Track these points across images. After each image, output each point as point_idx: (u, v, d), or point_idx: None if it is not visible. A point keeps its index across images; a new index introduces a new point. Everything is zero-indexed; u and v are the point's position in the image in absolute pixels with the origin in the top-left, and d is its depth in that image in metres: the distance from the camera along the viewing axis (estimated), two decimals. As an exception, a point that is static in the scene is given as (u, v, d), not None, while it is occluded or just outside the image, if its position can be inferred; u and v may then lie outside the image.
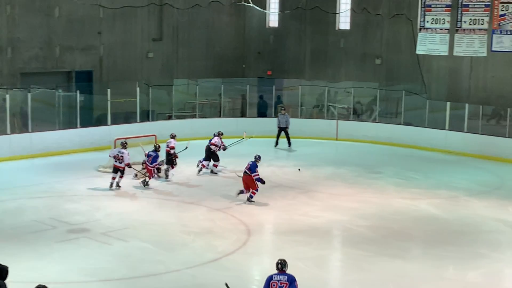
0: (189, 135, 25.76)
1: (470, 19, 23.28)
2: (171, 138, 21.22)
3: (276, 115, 27.20)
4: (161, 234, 15.51)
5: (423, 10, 24.40)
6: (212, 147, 21.54)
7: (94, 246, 14.59)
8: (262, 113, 29.02)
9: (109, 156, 19.85)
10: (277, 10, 32.79)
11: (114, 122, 25.26)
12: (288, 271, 10.31)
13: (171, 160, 20.76)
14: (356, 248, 14.95)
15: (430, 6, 24.18)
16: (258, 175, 18.02)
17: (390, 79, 29.43)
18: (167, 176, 20.53)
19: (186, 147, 21.51)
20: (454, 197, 19.25)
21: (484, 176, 21.93)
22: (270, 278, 10.23)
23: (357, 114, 28.84)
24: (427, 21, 24.29)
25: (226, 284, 10.15)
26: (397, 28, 29.15)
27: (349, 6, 30.58)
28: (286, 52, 32.99)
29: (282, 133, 25.94)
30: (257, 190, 18.11)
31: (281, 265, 10.37)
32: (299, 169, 22.11)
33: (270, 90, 28.90)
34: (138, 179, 20.01)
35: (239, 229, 15.91)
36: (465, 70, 27.54)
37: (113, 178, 19.23)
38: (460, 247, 15.04)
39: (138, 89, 25.92)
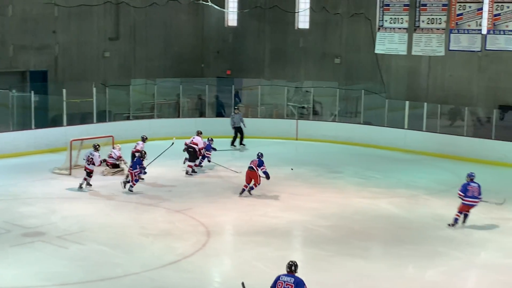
0: (147, 135, 25.48)
1: (428, 18, 23.46)
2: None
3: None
4: (119, 236, 15.22)
5: (381, 9, 24.52)
6: (194, 146, 21.48)
7: (50, 250, 14.23)
8: (219, 113, 28.81)
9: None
10: (236, 9, 32.65)
11: (70, 123, 24.83)
12: (247, 272, 10.13)
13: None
14: (317, 248, 14.87)
15: (388, 5, 24.30)
16: (265, 168, 18.74)
17: (350, 78, 29.54)
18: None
19: (173, 143, 21.47)
20: (414, 196, 19.33)
21: (443, 175, 22.08)
22: (278, 278, 10.26)
23: (317, 113, 28.84)
24: (386, 21, 24.42)
25: (243, 284, 10.14)
26: (356, 28, 29.26)
27: (308, 5, 30.61)
28: (245, 51, 32.88)
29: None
30: (259, 184, 18.64)
31: (292, 267, 10.34)
32: (291, 169, 22.05)
33: (230, 89, 28.73)
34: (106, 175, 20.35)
35: (199, 231, 15.71)
36: (424, 69, 27.77)
37: (85, 179, 19.05)
38: (419, 246, 15.06)
39: (94, 89, 25.49)
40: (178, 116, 28.14)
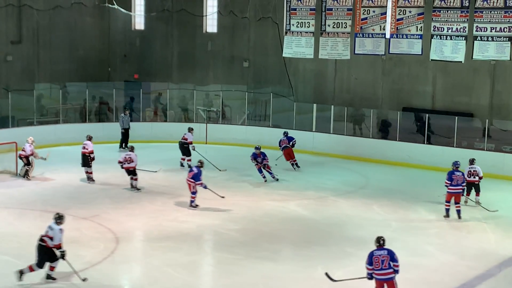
0: (52, 141, 24.90)
1: (334, 22, 23.90)
2: (88, 140, 20.89)
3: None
4: (24, 246, 14.72)
5: (288, 13, 24.80)
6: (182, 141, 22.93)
7: None
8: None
9: (119, 161, 19.87)
10: (142, 12, 32.30)
11: (-29, 129, 23.90)
12: (157, 278, 10.11)
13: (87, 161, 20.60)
14: (227, 252, 14.87)
15: (295, 9, 24.61)
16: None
17: (258, 81, 29.74)
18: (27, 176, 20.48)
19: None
20: (322, 198, 19.63)
21: (350, 176, 22.52)
22: (372, 254, 11.52)
23: (226, 117, 28.86)
24: (293, 25, 24.71)
25: (327, 274, 11.14)
26: (263, 31, 29.48)
27: (215, 9, 30.62)
28: (153, 55, 32.58)
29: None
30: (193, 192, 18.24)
31: (381, 241, 11.60)
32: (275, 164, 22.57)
33: (138, 93, 28.35)
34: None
35: (107, 238, 15.41)
36: (330, 72, 28.27)
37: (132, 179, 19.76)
38: (328, 247, 15.30)
39: (-4, 93, 24.66)
40: (85, 121, 27.53)
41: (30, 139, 20.70)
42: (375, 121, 26.03)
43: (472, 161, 18.95)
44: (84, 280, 12.77)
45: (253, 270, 13.75)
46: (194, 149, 23.14)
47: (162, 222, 16.83)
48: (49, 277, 12.87)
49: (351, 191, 20.48)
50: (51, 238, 12.78)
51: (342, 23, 23.76)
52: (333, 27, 23.96)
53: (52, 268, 12.86)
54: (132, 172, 19.81)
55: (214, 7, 30.76)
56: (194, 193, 18.16)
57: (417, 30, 22.65)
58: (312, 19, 24.39)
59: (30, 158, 20.52)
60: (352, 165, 24.01)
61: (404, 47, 23.02)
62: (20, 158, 20.52)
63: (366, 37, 23.45)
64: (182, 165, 23.19)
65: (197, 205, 18.13)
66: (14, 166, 20.79)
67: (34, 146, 20.63)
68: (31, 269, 12.78)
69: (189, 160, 23.08)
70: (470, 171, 18.62)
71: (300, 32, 24.60)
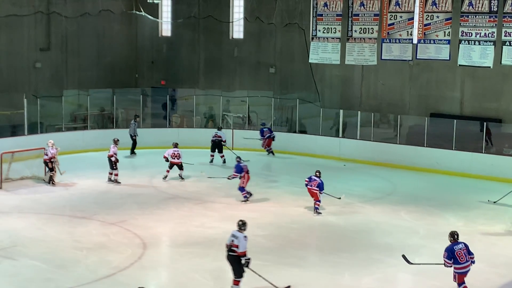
0: (80, 147, 25.14)
1: (360, 28, 23.81)
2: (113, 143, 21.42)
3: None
4: (52, 251, 14.88)
5: (314, 19, 24.75)
6: (217, 139, 24.67)
7: (-21, 266, 13.81)
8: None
9: (165, 156, 21.83)
10: (169, 19, 32.49)
11: (1, 135, 24.14)
12: (184, 284, 10.12)
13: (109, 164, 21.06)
14: (254, 258, 14.74)
15: (321, 15, 24.56)
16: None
17: (284, 87, 29.72)
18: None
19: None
20: (349, 204, 19.52)
21: (377, 182, 22.40)
22: (453, 249, 12.01)
23: (252, 123, 28.87)
24: (319, 30, 24.66)
25: (404, 256, 11.85)
26: (290, 37, 29.47)
27: (242, 15, 30.69)
28: (179, 61, 32.73)
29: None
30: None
31: (455, 236, 12.14)
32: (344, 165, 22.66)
33: (165, 99, 28.49)
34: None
35: (134, 243, 15.49)
36: (357, 78, 28.17)
37: (168, 172, 21.67)
38: (355, 254, 15.21)
39: (25, 100, 24.90)
40: (113, 127, 27.71)
41: (50, 143, 20.92)
42: (405, 128, 25.88)
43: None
44: None
45: (280, 276, 13.70)
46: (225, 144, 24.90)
47: (189, 228, 16.87)
48: None
49: (378, 198, 20.35)
50: (237, 247, 12.69)
51: (368, 28, 23.65)
52: (359, 33, 23.86)
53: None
54: (179, 166, 21.75)
55: (241, 13, 30.84)
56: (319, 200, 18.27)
57: (444, 35, 22.47)
58: (339, 24, 24.32)
59: (53, 163, 20.68)
60: (379, 171, 23.88)
61: (432, 53, 22.84)
62: (45, 163, 20.73)
63: (393, 42, 23.32)
64: (211, 161, 24.74)
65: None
66: (43, 171, 20.99)
67: (55, 149, 20.78)
68: (235, 283, 12.73)
69: (222, 156, 24.69)
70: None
71: (327, 38, 24.54)
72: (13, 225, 16.74)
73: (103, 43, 31.84)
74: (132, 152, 25.65)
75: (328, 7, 24.40)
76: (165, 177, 21.76)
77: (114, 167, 21.10)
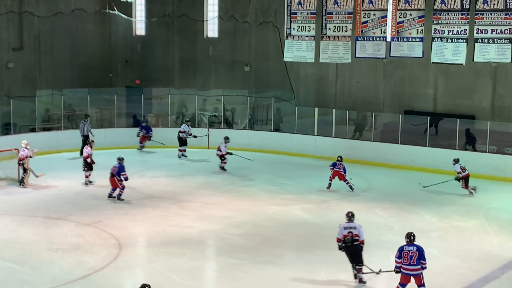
0: (54, 148, 24.94)
1: (335, 26, 23.86)
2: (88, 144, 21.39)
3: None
4: (27, 252, 14.75)
5: (289, 17, 24.76)
6: (181, 134, 25.04)
7: (-48, 269, 13.65)
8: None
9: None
10: (143, 18, 32.34)
11: (-27, 136, 23.91)
12: (161, 284, 10.13)
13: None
14: (230, 257, 14.86)
15: (295, 13, 24.58)
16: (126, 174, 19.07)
17: (260, 86, 29.74)
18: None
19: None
20: (325, 202, 19.60)
21: (353, 179, 22.44)
22: (401, 249, 12.01)
23: (228, 122, 28.86)
24: (294, 29, 24.69)
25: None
26: (264, 36, 29.50)
27: (216, 14, 30.64)
28: (154, 60, 32.61)
29: None
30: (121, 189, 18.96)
31: (411, 237, 12.06)
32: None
33: (139, 99, 28.36)
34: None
35: (110, 244, 15.41)
36: (331, 76, 28.29)
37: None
38: (331, 251, 15.18)
39: (-3, 100, 24.69)
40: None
41: (24, 143, 20.71)
42: (379, 125, 26.02)
43: (457, 161, 20.45)
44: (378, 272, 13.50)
45: (257, 275, 13.74)
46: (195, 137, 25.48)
47: (165, 228, 16.82)
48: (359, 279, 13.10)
49: (353, 195, 20.45)
50: (357, 236, 13.14)
51: (342, 26, 23.72)
52: (333, 31, 23.93)
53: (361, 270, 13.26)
54: (221, 157, 23.17)
55: (215, 12, 30.81)
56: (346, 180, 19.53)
57: (417, 33, 22.60)
58: (313, 23, 24.36)
59: (25, 165, 20.44)
60: (354, 168, 23.90)
61: (405, 50, 22.96)
62: (19, 163, 20.50)
63: (367, 40, 23.40)
64: (179, 156, 25.23)
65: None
66: (16, 173, 20.78)
67: (29, 150, 20.55)
68: (361, 270, 13.21)
69: (184, 150, 25.38)
70: (462, 167, 20.20)
71: (301, 36, 24.58)
72: (-13, 227, 16.57)
73: (77, 43, 31.62)
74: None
75: (302, 5, 24.43)
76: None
77: (90, 169, 20.88)
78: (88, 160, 20.79)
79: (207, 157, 26.20)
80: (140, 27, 33.09)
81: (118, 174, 18.94)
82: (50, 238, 15.80)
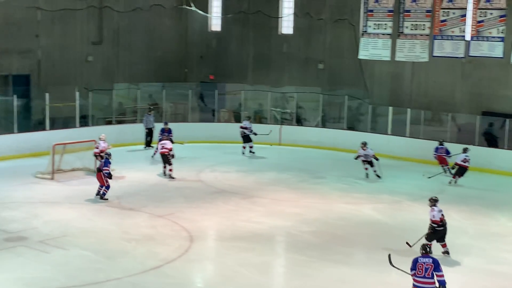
0: (129, 140, 25.44)
1: (412, 24, 23.54)
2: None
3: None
4: (101, 241, 15.11)
5: (365, 15, 24.58)
6: (244, 130, 24.95)
7: (31, 255, 14.10)
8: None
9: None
10: (219, 14, 32.62)
11: (53, 127, 24.64)
12: (230, 278, 10.19)
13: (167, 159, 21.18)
14: (299, 253, 14.84)
15: (372, 11, 24.37)
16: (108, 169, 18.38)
17: (333, 84, 29.56)
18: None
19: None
20: (397, 202, 19.35)
21: (426, 181, 22.11)
22: (416, 260, 11.43)
23: (300, 119, 28.83)
24: (370, 26, 24.48)
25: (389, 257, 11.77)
26: (339, 33, 29.30)
27: (292, 11, 30.63)
28: (228, 56, 32.83)
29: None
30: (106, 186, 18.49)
31: (427, 249, 11.65)
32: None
33: (213, 94, 28.66)
34: None
35: (182, 236, 15.62)
36: (407, 75, 27.85)
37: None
38: (402, 252, 15.04)
39: (77, 93, 25.32)
40: (161, 121, 27.96)
41: (103, 136, 21.24)
42: (453, 126, 25.50)
43: (465, 150, 20.91)
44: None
45: (326, 273, 13.68)
46: (256, 134, 25.12)
47: (236, 222, 16.94)
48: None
49: (427, 196, 19.91)
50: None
51: (420, 25, 23.37)
52: (411, 29, 23.60)
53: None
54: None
55: (290, 9, 30.79)
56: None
57: (498, 33, 22.06)
58: (390, 20, 24.09)
59: (102, 155, 20.95)
60: (428, 169, 23.53)
61: (485, 50, 22.46)
62: (95, 156, 21.02)
63: (445, 39, 22.99)
64: (243, 153, 24.99)
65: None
66: (93, 164, 21.32)
67: (107, 144, 21.07)
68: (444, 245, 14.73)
69: (251, 147, 24.92)
70: (465, 158, 20.85)
71: (377, 34, 24.34)
72: (64, 216, 17.06)
73: (154, 38, 32.15)
74: (147, 145, 25.65)
75: (379, 3, 24.19)
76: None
77: (171, 163, 21.25)
78: (172, 152, 21.06)
79: (278, 154, 26.28)
80: (215, 23, 33.39)
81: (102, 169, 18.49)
82: (124, 228, 16.14)
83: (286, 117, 28.70)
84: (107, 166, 18.31)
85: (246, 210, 18.11)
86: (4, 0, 25.59)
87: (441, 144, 22.50)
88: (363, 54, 25.12)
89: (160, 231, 16.03)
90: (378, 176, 21.66)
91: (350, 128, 27.09)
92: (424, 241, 14.13)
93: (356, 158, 21.74)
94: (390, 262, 11.98)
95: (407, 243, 15.05)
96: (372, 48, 24.56)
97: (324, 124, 27.98)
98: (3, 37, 26.71)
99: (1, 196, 18.63)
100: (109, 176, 18.41)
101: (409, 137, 25.36)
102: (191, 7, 28.83)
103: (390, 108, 26.02)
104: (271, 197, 19.37)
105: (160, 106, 28.33)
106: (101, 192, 18.46)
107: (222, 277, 13.49)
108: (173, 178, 21.07)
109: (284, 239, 16.47)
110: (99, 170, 18.50)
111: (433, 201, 14.88)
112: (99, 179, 18.44)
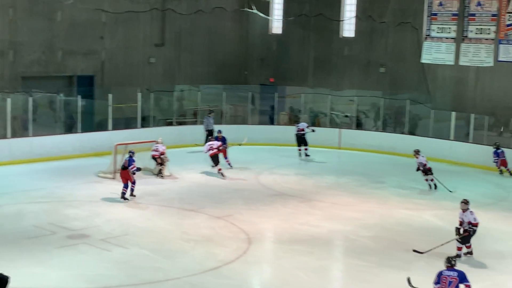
0: (189, 141, 25.68)
1: (477, 28, 23.10)
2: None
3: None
4: (161, 241, 15.29)
5: (429, 18, 24.24)
6: (300, 132, 24.88)
7: (93, 252, 14.38)
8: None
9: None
10: (280, 17, 32.64)
11: (115, 127, 25.06)
12: (288, 281, 10.16)
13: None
14: (358, 258, 14.71)
15: (436, 14, 24.01)
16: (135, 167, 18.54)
17: (394, 88, 29.21)
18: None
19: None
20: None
21: (489, 187, 21.67)
22: (440, 274, 11.04)
23: (360, 123, 28.60)
24: (433, 30, 24.13)
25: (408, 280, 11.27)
26: (402, 36, 28.95)
27: (354, 14, 30.42)
28: (289, 59, 32.82)
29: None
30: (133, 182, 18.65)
31: (452, 261, 11.15)
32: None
33: (272, 97, 28.69)
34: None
35: (240, 238, 15.68)
36: (471, 80, 27.31)
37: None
38: (464, 260, 14.77)
39: (139, 94, 25.71)
40: (221, 123, 28.15)
41: (160, 139, 21.53)
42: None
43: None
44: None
45: (385, 278, 13.53)
46: (314, 131, 25.09)
47: (294, 225, 16.90)
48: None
49: (490, 204, 19.68)
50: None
51: (485, 29, 22.91)
52: (475, 33, 23.16)
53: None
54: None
55: (352, 12, 30.59)
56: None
57: None
58: (454, 24, 23.69)
59: (162, 157, 21.26)
60: (491, 176, 23.09)
61: (553, 54, 21.86)
62: (154, 158, 21.29)
63: (511, 44, 22.47)
64: (300, 155, 24.90)
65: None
66: (153, 164, 21.59)
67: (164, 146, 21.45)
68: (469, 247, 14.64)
69: (306, 149, 24.81)
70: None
71: (441, 38, 23.96)
72: (125, 215, 17.34)
73: (215, 40, 32.38)
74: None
75: (443, 6, 23.82)
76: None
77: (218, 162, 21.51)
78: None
79: (337, 157, 26.14)
80: (276, 26, 33.43)
81: (129, 167, 18.52)
82: (183, 228, 16.30)
83: (345, 120, 28.51)
84: (132, 164, 18.45)
85: (304, 213, 18.06)
86: (70, 2, 26.20)
87: (498, 148, 22.52)
88: (426, 58, 24.77)
89: (219, 232, 16.12)
90: (434, 186, 20.96)
91: (411, 132, 26.73)
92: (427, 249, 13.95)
93: (417, 170, 21.07)
94: (410, 284, 11.56)
95: (415, 250, 14.85)
96: (436, 52, 24.19)
97: (384, 128, 27.69)
98: (69, 39, 27.33)
99: (64, 194, 19.06)
100: (138, 169, 18.66)
101: (472, 142, 24.85)
102: (252, 9, 28.97)
103: (453, 113, 25.53)
104: (330, 201, 19.27)
105: (219, 108, 28.53)
106: (130, 189, 18.50)
107: (279, 280, 13.48)
108: (224, 176, 21.38)
109: (342, 244, 16.37)
110: (124, 168, 18.54)
111: (467, 204, 14.91)
112: (125, 177, 18.45)
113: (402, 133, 26.90)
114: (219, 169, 21.50)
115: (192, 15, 30.59)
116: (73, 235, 15.44)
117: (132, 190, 18.62)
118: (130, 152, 19.02)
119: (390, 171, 23.65)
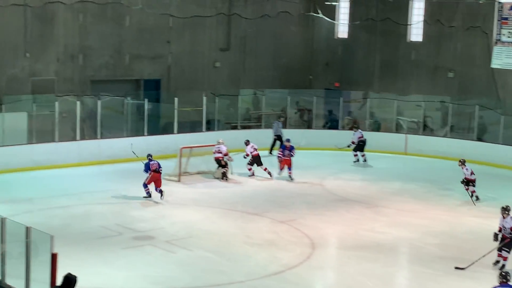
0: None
1: (550, 32, 22.45)
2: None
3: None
4: (225, 244, 15.35)
5: (499, 23, 23.71)
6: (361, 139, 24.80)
7: (158, 254, 14.55)
8: (332, 127, 28.66)
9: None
10: (346, 21, 32.37)
11: (180, 131, 25.29)
12: (352, 287, 10.01)
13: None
14: (425, 266, 14.43)
15: (507, 19, 23.47)
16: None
17: (463, 93, 28.58)
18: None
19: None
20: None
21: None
22: None
23: (427, 128, 28.09)
24: (504, 35, 23.59)
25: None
26: (471, 41, 28.30)
27: (421, 18, 29.92)
28: (354, 63, 32.51)
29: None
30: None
31: (508, 277, 10.72)
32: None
33: (337, 102, 28.48)
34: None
35: (303, 242, 15.60)
36: (543, 86, 26.51)
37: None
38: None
39: (204, 98, 25.90)
40: (285, 127, 28.09)
41: (221, 140, 21.71)
42: None
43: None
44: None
45: (451, 287, 13.22)
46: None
47: (358, 231, 16.72)
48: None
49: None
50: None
51: (559, 33, 22.25)
52: (548, 37, 22.50)
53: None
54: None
55: (420, 16, 30.09)
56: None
57: None
58: (526, 28, 23.08)
59: (226, 159, 21.37)
60: None
61: None
62: (217, 161, 21.37)
63: None
64: (358, 160, 24.84)
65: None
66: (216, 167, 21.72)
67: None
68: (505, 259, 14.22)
69: (363, 155, 24.73)
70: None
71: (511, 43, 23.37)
72: (190, 217, 17.48)
73: (280, 44, 32.37)
74: (270, 152, 25.68)
75: (514, 10, 23.23)
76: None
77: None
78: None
79: (404, 163, 25.74)
80: (342, 30, 33.17)
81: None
82: (247, 232, 16.32)
83: (412, 126, 28.06)
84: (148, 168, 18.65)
85: (369, 219, 17.85)
86: (139, 8, 26.62)
87: None
88: (496, 63, 24.21)
89: (282, 236, 16.08)
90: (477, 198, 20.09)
91: (480, 139, 26.11)
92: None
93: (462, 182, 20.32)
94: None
95: (457, 268, 14.20)
96: (506, 57, 23.64)
97: (452, 134, 27.13)
98: (137, 43, 27.76)
99: (130, 196, 19.33)
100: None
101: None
102: (318, 14, 28.84)
103: (524, 120, 24.85)
104: (396, 207, 18.98)
105: (286, 112, 28.50)
106: (158, 190, 18.62)
107: (344, 286, 13.35)
108: (270, 176, 21.73)
109: (408, 251, 16.10)
110: (156, 171, 18.64)
111: (507, 210, 14.54)
112: (158, 181, 18.67)
113: (471, 139, 26.28)
114: (265, 168, 21.66)
115: (257, 20, 30.65)
116: (139, 236, 15.65)
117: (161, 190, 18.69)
118: (148, 155, 19.18)
119: (458, 178, 23.04)
